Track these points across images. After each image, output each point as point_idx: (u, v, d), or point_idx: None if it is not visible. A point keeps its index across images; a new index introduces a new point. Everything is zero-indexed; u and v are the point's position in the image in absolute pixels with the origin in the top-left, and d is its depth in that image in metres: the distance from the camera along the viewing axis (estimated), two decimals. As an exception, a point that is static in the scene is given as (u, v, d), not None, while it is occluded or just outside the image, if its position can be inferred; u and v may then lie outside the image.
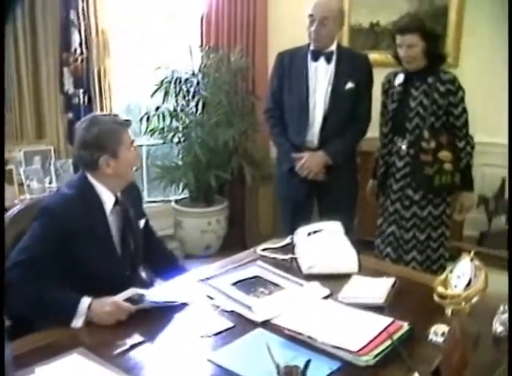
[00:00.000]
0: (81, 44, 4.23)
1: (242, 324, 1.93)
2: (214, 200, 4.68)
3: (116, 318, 1.94)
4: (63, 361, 1.70)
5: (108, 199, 2.22)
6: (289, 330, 1.82)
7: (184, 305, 2.07)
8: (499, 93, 4.69)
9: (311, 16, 3.23)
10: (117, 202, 2.25)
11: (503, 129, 4.67)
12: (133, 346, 1.79)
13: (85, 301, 1.96)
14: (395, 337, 1.73)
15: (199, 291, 2.19)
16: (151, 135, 4.60)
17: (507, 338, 1.80)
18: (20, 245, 2.06)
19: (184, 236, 4.61)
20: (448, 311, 1.97)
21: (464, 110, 3.13)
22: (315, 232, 2.55)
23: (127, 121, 2.29)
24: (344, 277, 2.26)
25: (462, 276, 2.01)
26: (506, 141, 4.65)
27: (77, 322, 1.94)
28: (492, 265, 3.96)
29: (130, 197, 2.35)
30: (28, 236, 2.08)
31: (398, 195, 3.26)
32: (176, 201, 4.74)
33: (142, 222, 2.41)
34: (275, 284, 2.23)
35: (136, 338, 1.83)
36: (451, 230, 3.41)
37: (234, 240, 4.67)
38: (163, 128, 4.53)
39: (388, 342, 1.70)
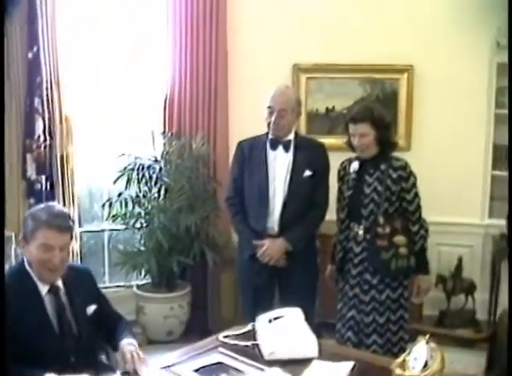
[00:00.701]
0: (44, 131, 4.31)
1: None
2: (177, 285, 4.66)
3: None
4: None
5: (41, 285, 2.27)
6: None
7: None
8: (452, 173, 4.90)
9: (269, 107, 3.36)
10: (50, 289, 2.28)
11: (458, 209, 4.87)
12: None
13: None
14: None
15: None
16: (113, 221, 4.62)
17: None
18: None
19: (146, 321, 4.56)
20: (408, 393, 2.02)
21: (416, 195, 3.24)
22: (275, 318, 2.59)
23: (60, 223, 2.27)
24: (304, 362, 2.30)
25: (419, 358, 2.07)
26: (459, 220, 4.84)
27: None
28: (452, 344, 4.04)
29: (77, 283, 2.38)
30: None
31: (356, 280, 3.29)
32: (138, 286, 4.71)
33: (91, 308, 2.42)
34: (238, 370, 2.25)
35: None
36: (410, 311, 3.45)
37: (197, 325, 4.64)
38: (125, 214, 4.56)
39: None
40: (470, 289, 4.74)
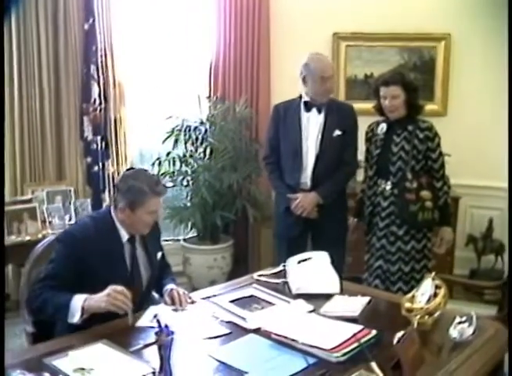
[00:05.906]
0: (99, 95, 4.69)
1: (237, 331, 2.26)
2: (220, 238, 4.98)
3: (115, 298, 2.21)
4: (91, 348, 2.08)
5: (123, 233, 2.54)
6: (276, 334, 2.16)
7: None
8: (486, 139, 5.04)
9: (322, 77, 3.59)
10: (130, 239, 2.55)
11: (489, 173, 5.00)
12: (146, 345, 2.11)
13: (78, 298, 2.24)
14: (363, 340, 2.05)
15: (202, 305, 2.53)
16: (162, 179, 4.93)
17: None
18: (47, 264, 2.42)
19: (192, 271, 4.91)
20: (414, 323, 2.27)
21: (441, 154, 3.45)
22: (304, 260, 2.90)
23: (162, 190, 2.53)
24: (327, 296, 2.59)
25: (425, 293, 2.34)
26: (492, 183, 4.99)
27: (74, 318, 2.22)
28: (479, 301, 4.21)
29: (152, 233, 2.66)
30: (52, 256, 2.43)
31: (383, 232, 3.53)
32: (185, 240, 5.05)
33: (159, 255, 2.72)
34: (267, 302, 2.56)
35: (149, 339, 2.14)
36: (441, 269, 3.65)
37: (238, 276, 4.82)
38: (173, 172, 4.87)
39: (356, 344, 2.03)
40: (499, 249, 4.90)
